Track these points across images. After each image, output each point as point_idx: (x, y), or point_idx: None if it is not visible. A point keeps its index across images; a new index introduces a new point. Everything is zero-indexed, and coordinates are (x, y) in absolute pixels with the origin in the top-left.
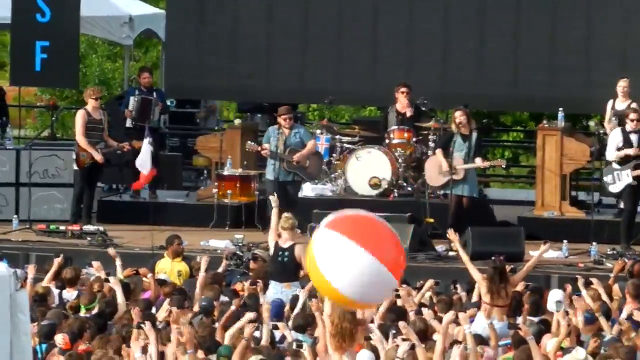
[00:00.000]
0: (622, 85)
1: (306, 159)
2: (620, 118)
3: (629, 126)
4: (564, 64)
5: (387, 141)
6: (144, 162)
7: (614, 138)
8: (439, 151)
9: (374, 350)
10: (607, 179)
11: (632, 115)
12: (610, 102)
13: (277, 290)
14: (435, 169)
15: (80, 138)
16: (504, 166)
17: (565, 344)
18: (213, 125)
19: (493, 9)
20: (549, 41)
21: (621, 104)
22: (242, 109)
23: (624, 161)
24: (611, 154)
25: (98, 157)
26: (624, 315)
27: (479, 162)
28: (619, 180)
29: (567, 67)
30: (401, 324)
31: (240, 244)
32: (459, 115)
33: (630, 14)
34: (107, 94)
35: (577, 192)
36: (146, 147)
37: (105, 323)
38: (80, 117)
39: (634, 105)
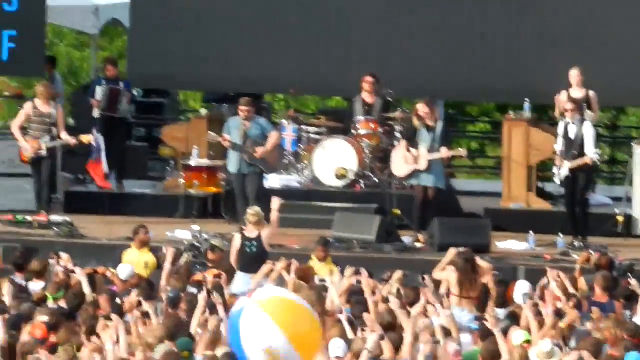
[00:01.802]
0: (574, 74)
1: (266, 151)
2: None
3: (567, 117)
4: (530, 55)
5: (353, 132)
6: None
7: (559, 129)
8: (403, 142)
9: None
10: (554, 169)
11: (568, 105)
12: (563, 93)
13: (245, 282)
14: (400, 160)
15: (14, 128)
16: (464, 156)
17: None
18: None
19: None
20: (515, 31)
21: (577, 92)
22: (208, 99)
23: (566, 152)
24: (558, 145)
25: (23, 148)
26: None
27: (443, 152)
28: (561, 172)
29: (533, 57)
30: (366, 316)
31: (197, 235)
32: (421, 108)
33: (593, 5)
34: (76, 83)
35: (543, 184)
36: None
37: (74, 314)
38: (24, 108)
39: (591, 93)
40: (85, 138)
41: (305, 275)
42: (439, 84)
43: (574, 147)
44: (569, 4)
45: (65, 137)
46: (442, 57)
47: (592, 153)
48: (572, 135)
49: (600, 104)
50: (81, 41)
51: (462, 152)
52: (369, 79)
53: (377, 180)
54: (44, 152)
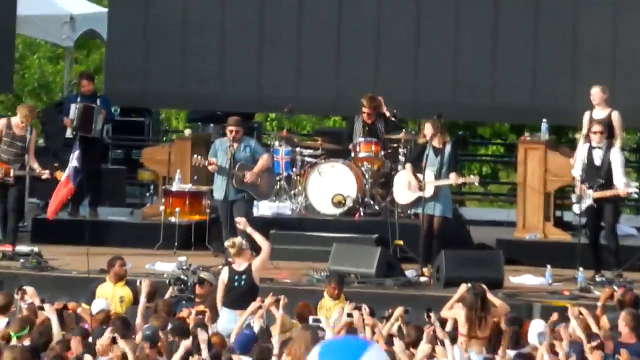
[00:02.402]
0: (595, 92)
1: (257, 176)
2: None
3: (593, 140)
4: (548, 70)
5: (352, 155)
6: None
7: (580, 154)
8: (408, 166)
9: None
10: (573, 198)
11: (595, 128)
12: (587, 114)
13: (230, 319)
14: (403, 185)
15: None
16: (477, 183)
17: None
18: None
19: (469, 8)
20: (532, 44)
21: (600, 112)
22: (193, 118)
23: (588, 180)
24: (577, 171)
25: None
26: None
27: (452, 178)
28: (582, 201)
29: (552, 73)
30: None
31: (184, 267)
32: (427, 128)
33: (619, 14)
34: (47, 99)
35: (562, 212)
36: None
37: (39, 354)
38: None
39: (614, 114)
40: (60, 175)
41: (303, 313)
42: (447, 101)
43: (600, 175)
44: (592, 16)
45: (37, 168)
46: (451, 72)
47: (626, 186)
48: (597, 161)
49: (625, 125)
50: (56, 53)
51: (473, 179)
52: (365, 110)
53: (378, 208)
54: (10, 180)
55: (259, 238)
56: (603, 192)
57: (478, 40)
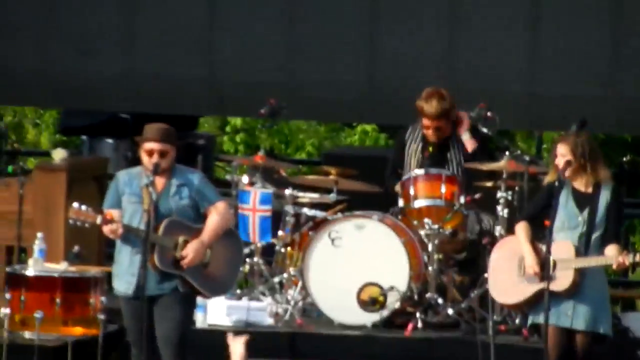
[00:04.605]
0: None
1: (205, 249)
2: None
3: None
4: None
5: (401, 203)
6: None
7: None
8: (521, 227)
9: None
10: None
11: None
12: None
13: None
14: (510, 267)
15: None
16: None
17: None
18: None
19: None
20: None
21: None
22: (69, 125)
23: None
24: None
25: None
26: None
27: (612, 254)
28: None
29: None
30: None
31: None
32: (564, 152)
33: None
34: None
35: None
36: None
37: None
38: None
39: None
40: None
41: None
42: (594, 100)
43: None
44: None
45: None
46: (595, 47)
47: None
48: None
49: None
50: None
51: None
52: (429, 122)
53: (453, 313)
54: None
55: None
56: None
57: None
